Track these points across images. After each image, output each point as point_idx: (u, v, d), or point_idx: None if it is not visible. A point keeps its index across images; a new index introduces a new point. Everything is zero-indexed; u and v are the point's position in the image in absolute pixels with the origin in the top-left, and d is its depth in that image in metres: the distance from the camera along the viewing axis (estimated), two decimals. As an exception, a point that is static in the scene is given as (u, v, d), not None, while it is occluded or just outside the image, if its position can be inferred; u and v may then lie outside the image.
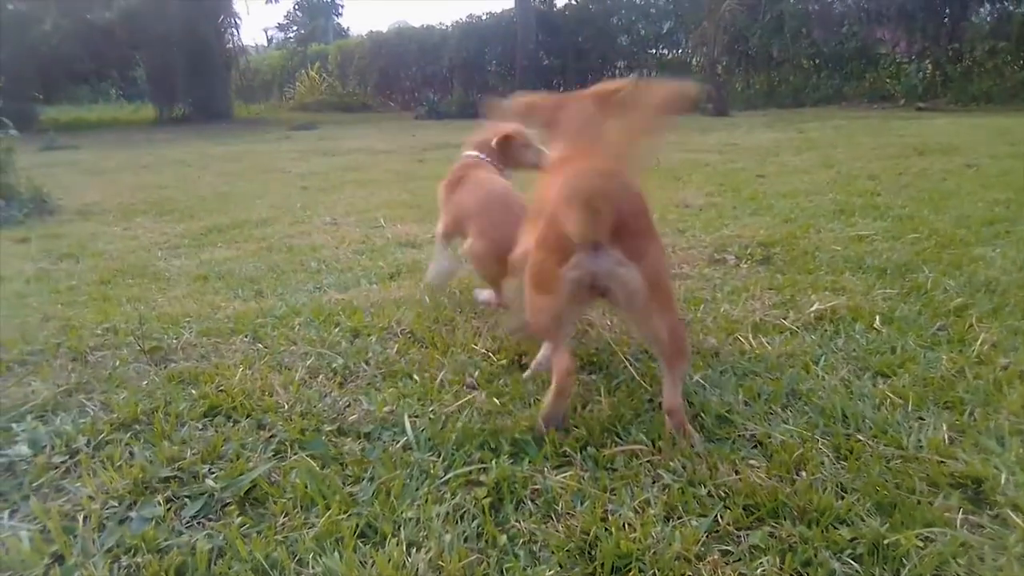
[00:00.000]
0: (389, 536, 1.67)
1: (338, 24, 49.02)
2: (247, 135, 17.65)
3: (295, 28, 49.61)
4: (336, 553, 1.62)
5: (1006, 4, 20.21)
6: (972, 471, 1.85)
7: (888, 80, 20.86)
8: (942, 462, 1.91)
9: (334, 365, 2.66)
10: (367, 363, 2.69)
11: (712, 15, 18.81)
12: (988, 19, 20.54)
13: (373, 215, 5.99)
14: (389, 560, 1.59)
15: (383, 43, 29.61)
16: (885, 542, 1.59)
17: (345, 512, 1.77)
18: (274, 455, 2.08)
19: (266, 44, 49.28)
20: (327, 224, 5.78)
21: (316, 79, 30.15)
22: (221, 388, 2.50)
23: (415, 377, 2.54)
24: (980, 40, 20.00)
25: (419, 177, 8.47)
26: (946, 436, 2.04)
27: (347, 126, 19.86)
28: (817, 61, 21.72)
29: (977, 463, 1.88)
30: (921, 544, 1.60)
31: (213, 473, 1.98)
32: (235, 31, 27.23)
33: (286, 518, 1.78)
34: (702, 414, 2.22)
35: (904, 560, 1.55)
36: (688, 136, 12.29)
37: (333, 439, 2.14)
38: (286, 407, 2.34)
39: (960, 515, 1.69)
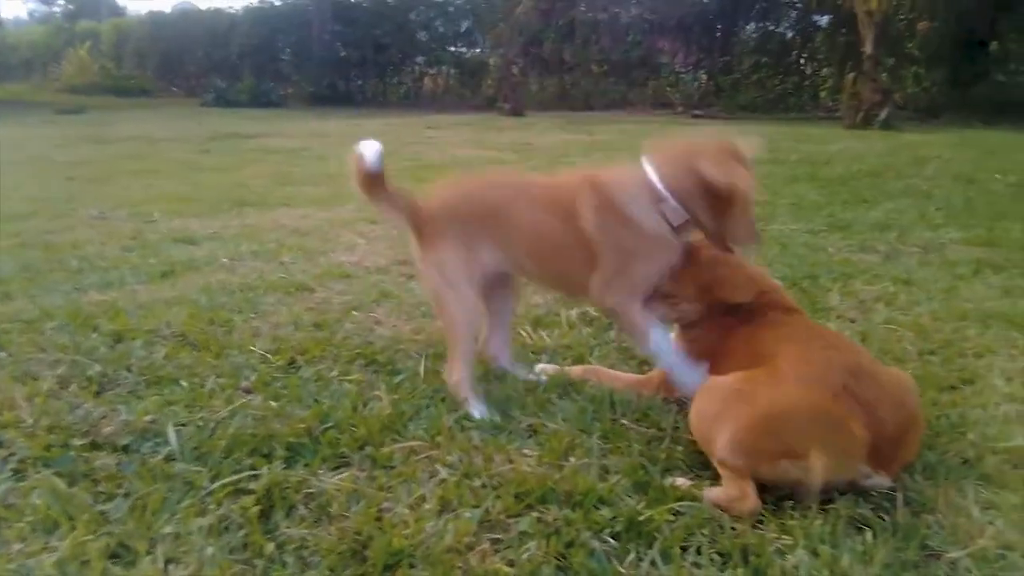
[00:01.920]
0: (143, 554, 1.56)
1: (112, 1, 44.63)
2: (3, 118, 15.75)
3: (61, 2, 44.69)
4: (80, 577, 1.49)
5: (767, 24, 22.50)
6: (719, 448, 2.03)
7: (668, 88, 22.48)
8: (694, 441, 2.07)
9: (89, 373, 2.43)
10: (129, 370, 2.48)
11: (508, 17, 19.31)
12: (753, 36, 22.76)
13: (148, 209, 5.56)
14: (143, 580, 1.48)
15: (165, 24, 27.59)
16: (640, 518, 1.70)
17: (94, 532, 1.62)
18: (13, 475, 1.87)
19: (27, 17, 44.13)
20: (94, 218, 5.30)
21: (87, 59, 27.51)
22: (-49, 404, 2.21)
23: (183, 383, 2.38)
24: (747, 54, 22.11)
25: (203, 168, 7.97)
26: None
27: (123, 111, 18.32)
28: (606, 67, 22.95)
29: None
30: (672, 518, 1.72)
31: (-65, 501, 1.74)
32: (-13, 0, 24.24)
33: (23, 544, 1.60)
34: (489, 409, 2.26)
35: (656, 534, 1.67)
36: (484, 134, 12.54)
37: (84, 454, 1.95)
38: (30, 421, 2.10)
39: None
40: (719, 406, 1.89)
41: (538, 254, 2.37)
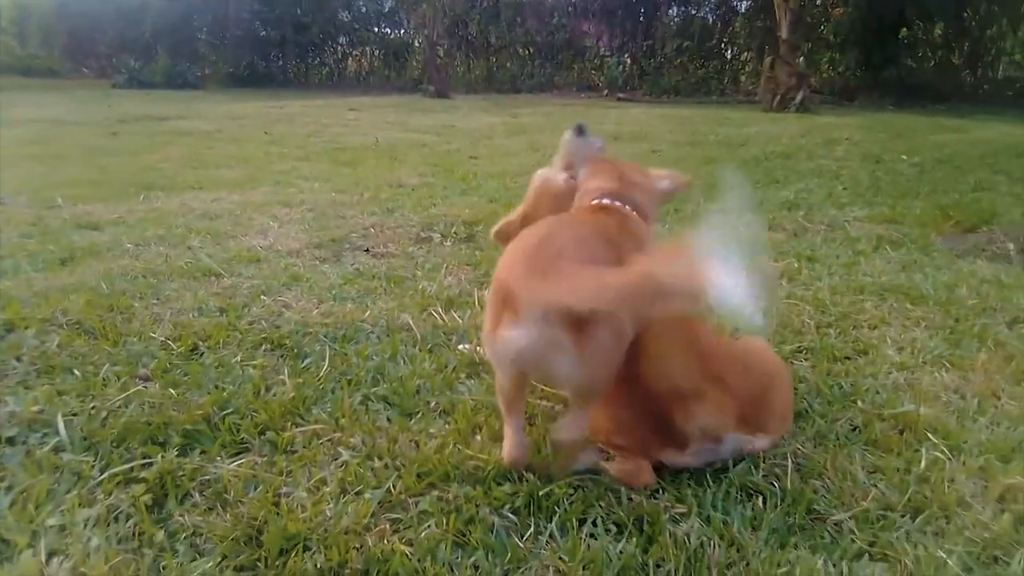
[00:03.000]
0: (23, 547, 1.50)
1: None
2: None
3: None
4: (-47, 577, 1.42)
5: (689, 8, 22.84)
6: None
7: (594, 71, 22.64)
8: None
9: (-25, 364, 2.32)
10: (19, 359, 2.37)
11: (432, -3, 19.08)
12: (676, 20, 23.06)
13: (50, 194, 5.29)
14: (22, 574, 1.42)
15: (72, 1, 26.26)
16: (540, 493, 1.72)
17: (-30, 528, 1.55)
18: None
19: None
20: (-9, 204, 5.03)
21: (-13, 37, 25.99)
22: None
23: (76, 372, 2.28)
24: (669, 38, 22.41)
25: (111, 152, 7.64)
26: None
27: (28, 93, 17.36)
28: (531, 50, 22.94)
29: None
30: (572, 492, 1.75)
31: None
32: None
33: None
34: (398, 391, 2.24)
35: (556, 507, 1.69)
36: (408, 117, 12.41)
37: (-35, 448, 1.86)
38: (-95, 416, 2.00)
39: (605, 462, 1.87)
40: None
41: None
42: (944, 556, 1.56)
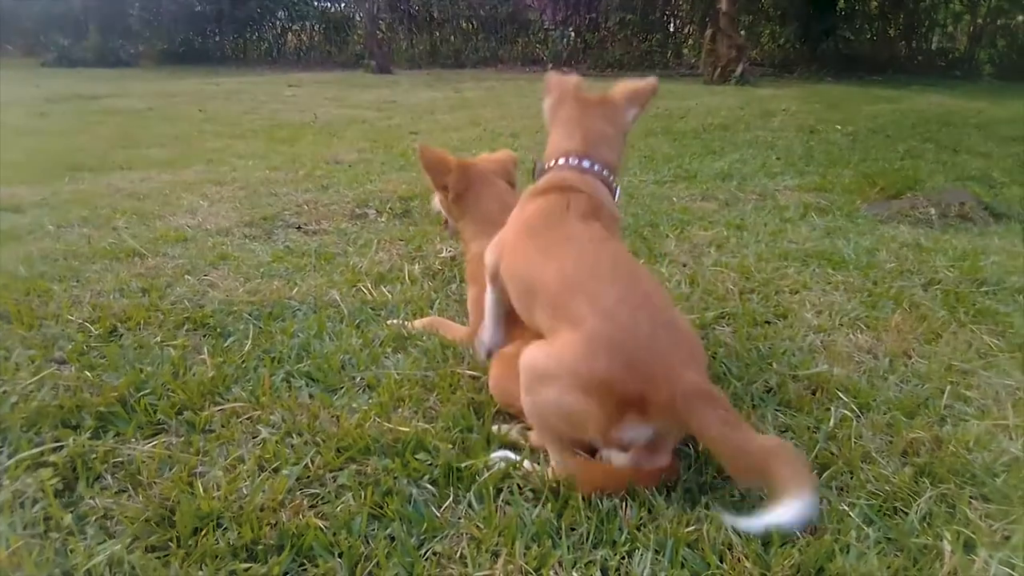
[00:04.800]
0: (-80, 539, 1.46)
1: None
2: None
3: None
4: None
5: (631, -20, 22.79)
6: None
7: (538, 45, 22.51)
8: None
9: None
10: (-75, 347, 2.30)
11: (372, -29, 18.76)
12: (619, -8, 22.98)
13: (-30, 177, 5.11)
14: (-81, 566, 1.39)
15: (-6, -25, 25.07)
16: (461, 465, 1.73)
17: None
18: None
19: None
20: (-95, 188, 4.82)
21: (-95, 14, 24.72)
22: None
23: (-15, 357, 2.22)
24: (613, 11, 22.36)
25: (38, 132, 7.38)
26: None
27: (-51, 72, 16.67)
28: (475, 24, 22.71)
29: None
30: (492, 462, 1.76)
31: None
32: None
33: None
34: (322, 368, 2.22)
35: (476, 477, 1.71)
36: (348, 92, 12.22)
37: None
38: None
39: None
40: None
41: None
42: (846, 508, 1.62)
